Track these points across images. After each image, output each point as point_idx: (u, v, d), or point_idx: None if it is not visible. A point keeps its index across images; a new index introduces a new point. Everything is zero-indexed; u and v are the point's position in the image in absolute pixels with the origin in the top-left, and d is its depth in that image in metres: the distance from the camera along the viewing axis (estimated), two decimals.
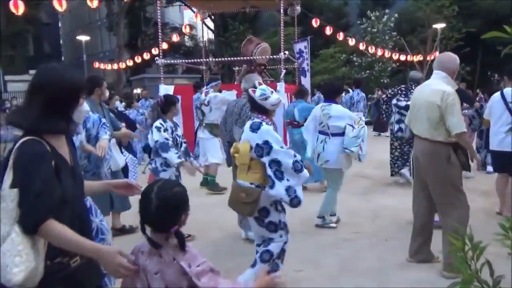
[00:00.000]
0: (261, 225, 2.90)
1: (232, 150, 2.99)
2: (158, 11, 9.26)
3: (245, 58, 8.91)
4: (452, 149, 3.22)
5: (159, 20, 9.18)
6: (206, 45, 19.33)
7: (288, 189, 2.72)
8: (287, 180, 2.74)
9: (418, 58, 18.66)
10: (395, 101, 6.00)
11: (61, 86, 1.49)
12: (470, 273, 1.06)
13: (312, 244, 4.02)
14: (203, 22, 14.04)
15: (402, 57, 17.01)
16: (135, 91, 14.85)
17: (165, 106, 4.03)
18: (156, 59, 8.93)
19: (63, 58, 35.51)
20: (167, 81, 12.10)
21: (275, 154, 2.73)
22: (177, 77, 24.56)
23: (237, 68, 10.96)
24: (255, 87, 2.95)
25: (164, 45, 10.83)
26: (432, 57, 19.19)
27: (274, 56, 9.07)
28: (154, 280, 1.54)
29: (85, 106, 3.45)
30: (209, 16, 18.84)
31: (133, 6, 26.06)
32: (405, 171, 6.22)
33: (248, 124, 2.97)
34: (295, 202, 2.74)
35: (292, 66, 11.35)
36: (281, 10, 9.17)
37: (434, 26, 18.82)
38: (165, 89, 8.45)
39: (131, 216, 4.38)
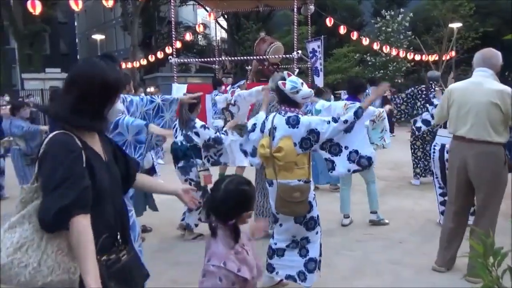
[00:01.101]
0: (300, 222, 2.81)
1: (263, 150, 2.81)
2: (172, 10, 9.30)
3: (258, 57, 8.90)
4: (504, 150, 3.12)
5: (172, 19, 9.23)
6: (219, 44, 19.41)
7: (349, 156, 2.75)
8: (345, 148, 2.75)
9: (433, 58, 18.37)
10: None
11: (95, 83, 1.44)
12: (491, 279, 1.03)
13: (324, 245, 3.95)
14: (217, 21, 14.09)
15: (417, 57, 16.77)
16: (148, 89, 14.96)
17: (192, 105, 4.08)
18: (170, 58, 8.99)
19: (78, 57, 35.99)
20: (180, 80, 12.15)
21: (325, 135, 2.73)
22: (190, 76, 24.65)
23: (250, 67, 10.95)
24: (285, 79, 2.81)
25: (178, 44, 10.88)
26: (448, 57, 18.89)
27: (287, 56, 9.05)
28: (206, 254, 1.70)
29: (118, 105, 3.41)
30: (223, 15, 18.87)
31: (147, 6, 26.28)
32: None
33: (281, 119, 2.80)
34: (364, 163, 2.76)
35: (305, 66, 11.29)
36: (295, 9, 9.14)
37: (450, 25, 18.49)
38: (178, 88, 8.49)
39: (146, 217, 4.41)
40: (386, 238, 4.13)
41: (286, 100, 2.84)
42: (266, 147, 2.81)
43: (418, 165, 6.28)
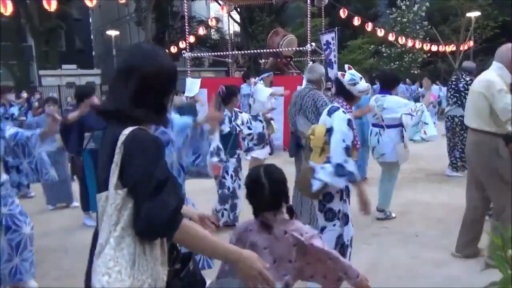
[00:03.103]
0: (320, 209, 2.89)
1: (309, 132, 2.99)
2: (185, 4, 9.32)
3: (271, 50, 8.86)
4: (503, 140, 3.10)
5: (185, 13, 9.25)
6: (232, 38, 19.36)
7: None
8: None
9: (450, 48, 17.99)
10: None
11: (158, 70, 1.32)
12: (510, 273, 1.01)
13: None
14: (229, 15, 14.04)
15: (434, 48, 16.45)
16: None
17: (227, 97, 4.08)
18: (183, 53, 9.02)
19: (93, 53, 36.40)
20: (194, 74, 12.20)
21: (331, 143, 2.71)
22: (204, 70, 24.75)
23: (263, 60, 10.91)
24: (345, 71, 2.89)
25: (191, 39, 10.90)
26: (466, 47, 18.47)
27: (301, 48, 8.99)
28: (263, 254, 1.69)
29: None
30: (235, 8, 18.81)
31: (160, 1, 26.36)
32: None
33: (327, 107, 2.94)
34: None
35: (319, 58, 11.20)
36: (308, 1, 9.05)
37: (468, 14, 18.07)
38: (192, 82, 8.53)
39: None
40: (402, 232, 4.09)
41: (342, 92, 2.90)
42: (311, 129, 2.98)
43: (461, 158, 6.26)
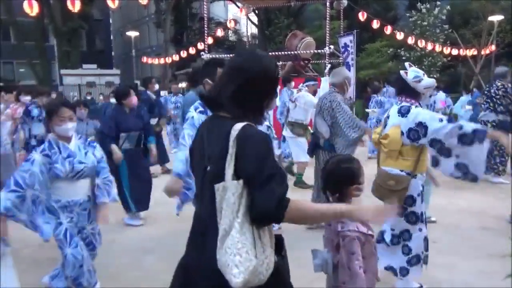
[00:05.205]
0: (399, 214, 2.79)
1: (375, 136, 2.94)
2: (205, 6, 9.41)
3: (289, 52, 8.86)
4: None
5: (205, 15, 9.34)
6: (250, 39, 19.43)
7: (457, 165, 2.60)
8: (456, 156, 2.59)
9: (471, 52, 17.64)
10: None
11: (261, 73, 1.43)
12: None
13: None
14: (247, 17, 14.09)
15: (454, 51, 16.15)
16: (180, 85, 15.27)
17: None
18: (202, 54, 9.10)
19: (113, 53, 37.00)
20: None
21: (434, 132, 2.61)
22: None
23: (280, 62, 10.91)
24: (406, 69, 2.84)
25: (210, 40, 10.99)
26: (487, 52, 18.10)
27: (319, 51, 8.96)
28: (326, 229, 1.97)
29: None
30: (253, 10, 18.87)
31: (179, 3, 26.66)
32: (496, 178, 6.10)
33: (394, 109, 2.85)
34: (469, 178, 2.61)
35: (337, 61, 11.14)
36: (327, 4, 9.03)
37: (490, 18, 17.70)
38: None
39: None
40: None
41: (405, 90, 2.83)
42: (377, 133, 2.93)
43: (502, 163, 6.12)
